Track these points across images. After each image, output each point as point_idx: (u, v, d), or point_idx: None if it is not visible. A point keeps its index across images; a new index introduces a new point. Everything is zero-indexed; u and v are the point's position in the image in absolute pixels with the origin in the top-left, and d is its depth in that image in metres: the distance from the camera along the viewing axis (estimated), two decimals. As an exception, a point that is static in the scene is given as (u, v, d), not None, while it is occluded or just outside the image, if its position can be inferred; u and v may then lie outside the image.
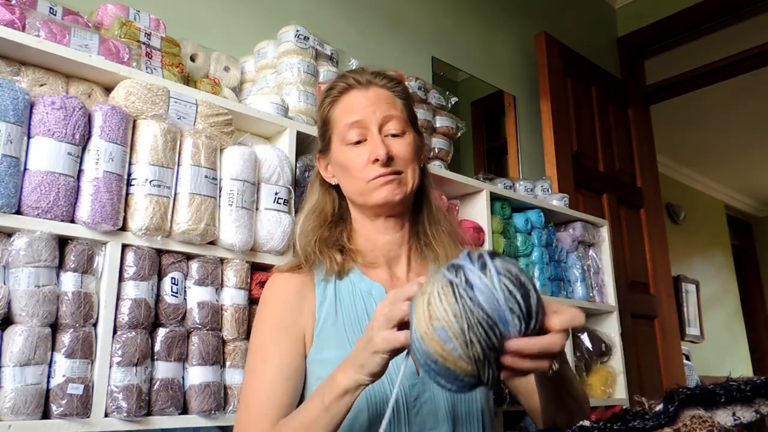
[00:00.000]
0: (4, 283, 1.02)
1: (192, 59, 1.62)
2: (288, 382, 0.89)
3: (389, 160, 0.94)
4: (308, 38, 1.75)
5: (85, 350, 1.06)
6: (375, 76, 1.01)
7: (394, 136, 0.97)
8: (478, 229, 1.93)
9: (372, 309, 0.94)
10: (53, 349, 1.04)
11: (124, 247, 1.15)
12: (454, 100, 2.15)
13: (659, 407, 0.62)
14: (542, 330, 0.59)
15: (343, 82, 1.01)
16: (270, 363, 0.89)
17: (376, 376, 0.70)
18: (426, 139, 1.98)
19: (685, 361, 3.41)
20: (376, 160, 0.93)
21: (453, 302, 0.58)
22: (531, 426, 1.93)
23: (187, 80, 1.57)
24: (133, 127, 1.20)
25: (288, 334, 0.91)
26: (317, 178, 1.07)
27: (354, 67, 1.06)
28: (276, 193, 1.38)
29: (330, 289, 0.96)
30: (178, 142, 1.24)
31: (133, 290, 1.14)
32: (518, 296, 0.58)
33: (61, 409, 1.02)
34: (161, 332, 1.17)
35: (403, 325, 0.66)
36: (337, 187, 1.05)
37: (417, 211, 1.05)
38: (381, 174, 0.94)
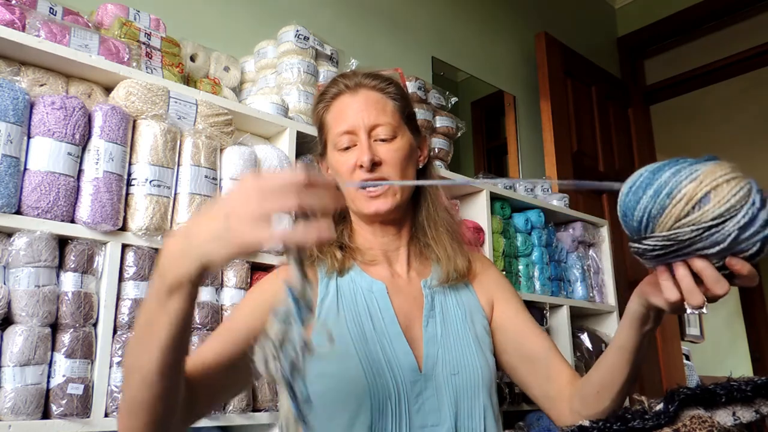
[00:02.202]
0: (4, 283, 1.02)
1: (192, 59, 1.62)
2: (230, 334, 0.83)
3: (374, 165, 0.93)
4: (308, 38, 1.75)
5: (85, 350, 1.06)
6: (365, 77, 1.00)
7: (383, 141, 0.96)
8: (478, 229, 1.93)
9: (373, 305, 0.94)
10: (53, 349, 1.04)
11: (124, 247, 1.15)
12: (454, 100, 2.15)
13: (659, 407, 0.62)
14: None
15: (334, 87, 1.01)
16: (231, 318, 0.87)
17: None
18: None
19: (685, 361, 3.41)
20: (361, 166, 0.94)
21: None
22: (532, 426, 1.93)
23: (187, 80, 1.57)
24: (133, 127, 1.21)
25: (269, 307, 0.88)
26: None
27: (347, 70, 1.05)
28: (276, 193, 1.38)
29: (332, 285, 0.96)
30: (178, 142, 1.24)
31: (133, 290, 1.14)
32: None
33: (61, 409, 1.02)
34: (161, 332, 1.17)
35: None
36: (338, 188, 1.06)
37: (416, 212, 1.05)
38: (366, 179, 0.94)
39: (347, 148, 0.96)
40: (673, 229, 0.62)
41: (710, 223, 0.61)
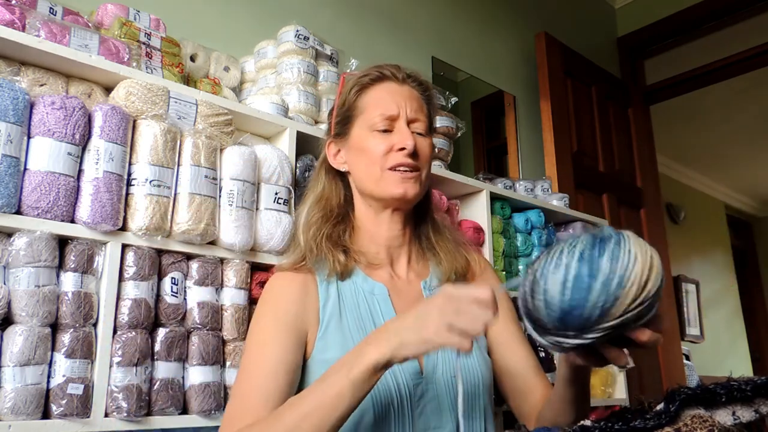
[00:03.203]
0: (4, 283, 1.02)
1: (192, 59, 1.62)
2: (287, 376, 0.86)
3: (414, 153, 0.95)
4: (308, 38, 1.75)
5: (85, 350, 1.06)
6: (412, 78, 1.03)
7: (419, 134, 0.98)
8: (478, 229, 1.92)
9: (375, 309, 0.94)
10: (53, 349, 1.04)
11: (124, 247, 1.15)
12: (454, 100, 2.15)
13: (660, 406, 0.62)
14: None
15: (377, 71, 1.01)
16: (270, 354, 0.86)
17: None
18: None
19: (685, 361, 3.41)
20: (402, 149, 0.94)
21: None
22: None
23: (187, 80, 1.57)
24: (133, 127, 1.20)
25: (290, 330, 0.89)
26: (323, 166, 1.06)
27: (386, 63, 1.06)
28: (276, 193, 1.38)
29: (333, 289, 0.95)
30: (178, 142, 1.24)
31: (133, 290, 1.13)
32: None
33: (61, 409, 1.02)
34: (161, 332, 1.17)
35: None
36: (343, 177, 1.05)
37: (419, 212, 1.05)
38: (402, 163, 0.94)
39: (384, 131, 0.97)
40: (623, 315, 0.60)
41: (654, 297, 0.61)
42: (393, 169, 0.95)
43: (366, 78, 1.01)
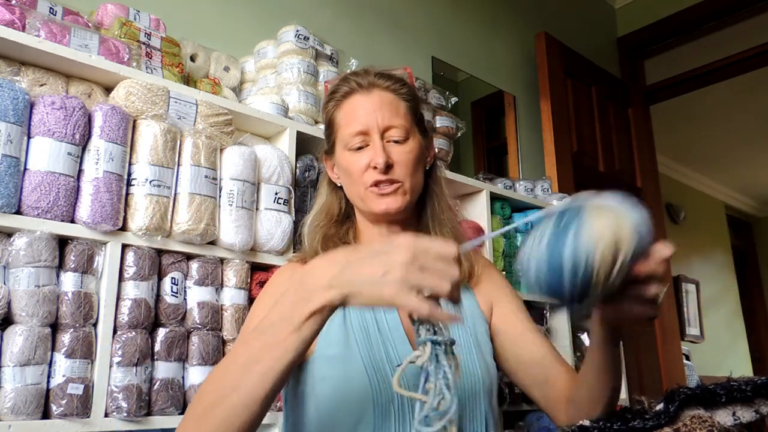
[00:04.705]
0: (4, 283, 1.02)
1: (192, 59, 1.62)
2: None
3: (388, 167, 0.93)
4: (308, 38, 1.75)
5: (85, 350, 1.06)
6: (378, 77, 0.98)
7: (396, 142, 0.96)
8: (478, 229, 1.93)
9: (378, 308, 0.94)
10: (53, 349, 1.04)
11: (124, 247, 1.15)
12: (454, 100, 2.15)
13: (659, 407, 0.62)
14: None
15: (346, 85, 0.99)
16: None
17: (358, 305, 0.63)
18: (426, 139, 1.98)
19: (685, 361, 3.41)
20: (375, 167, 0.93)
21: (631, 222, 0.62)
22: (532, 426, 1.93)
23: (187, 80, 1.57)
24: (133, 127, 1.21)
25: None
26: (326, 178, 1.07)
27: (356, 69, 1.02)
28: (276, 193, 1.38)
29: None
30: (178, 142, 1.24)
31: (133, 290, 1.14)
32: None
33: (61, 409, 1.02)
34: (161, 332, 1.17)
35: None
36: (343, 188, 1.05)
37: (421, 214, 1.04)
38: (379, 180, 0.93)
39: (359, 149, 0.96)
40: (608, 280, 0.62)
41: (635, 250, 0.62)
42: (373, 185, 0.94)
43: (337, 94, 1.00)
